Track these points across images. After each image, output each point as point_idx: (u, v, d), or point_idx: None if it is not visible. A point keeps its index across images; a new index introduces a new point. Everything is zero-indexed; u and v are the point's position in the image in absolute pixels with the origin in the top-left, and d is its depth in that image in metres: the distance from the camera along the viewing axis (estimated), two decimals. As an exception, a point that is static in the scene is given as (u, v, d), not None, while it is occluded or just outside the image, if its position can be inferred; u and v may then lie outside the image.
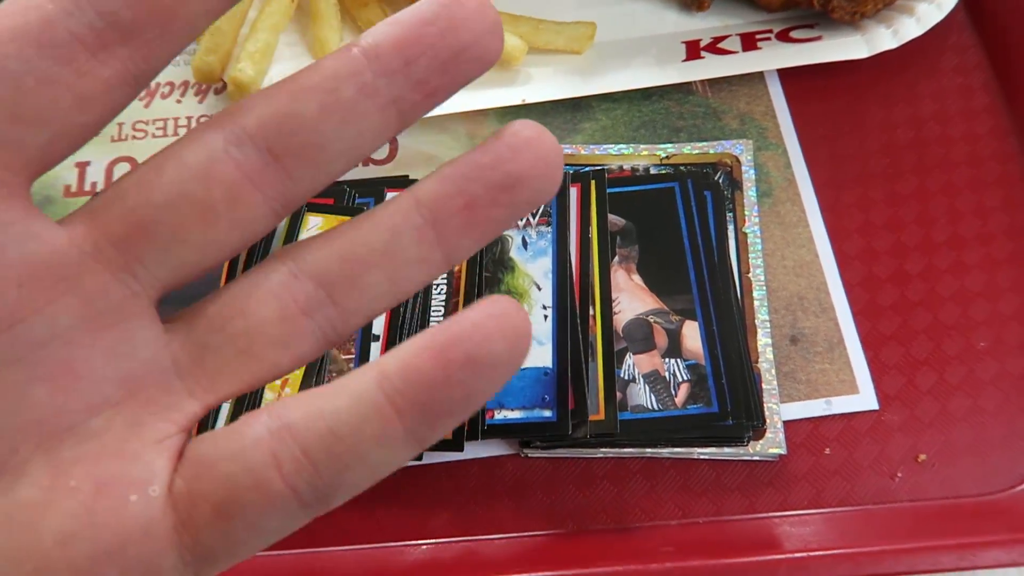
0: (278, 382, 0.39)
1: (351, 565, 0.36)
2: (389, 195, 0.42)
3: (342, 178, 0.44)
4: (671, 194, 0.42)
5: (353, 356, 0.39)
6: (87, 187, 0.45)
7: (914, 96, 0.47)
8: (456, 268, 0.41)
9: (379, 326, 0.39)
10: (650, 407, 0.38)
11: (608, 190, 0.42)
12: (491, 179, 0.19)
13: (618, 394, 0.38)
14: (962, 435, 0.39)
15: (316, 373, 0.38)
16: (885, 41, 0.46)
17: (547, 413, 0.37)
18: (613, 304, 0.40)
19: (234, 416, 0.38)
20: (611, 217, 0.42)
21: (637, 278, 0.41)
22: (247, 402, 0.38)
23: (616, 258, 0.41)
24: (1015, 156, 0.45)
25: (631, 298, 0.40)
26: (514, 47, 0.45)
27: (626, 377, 0.38)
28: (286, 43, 0.47)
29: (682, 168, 0.44)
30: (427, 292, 0.40)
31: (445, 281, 0.40)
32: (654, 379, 0.38)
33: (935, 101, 0.47)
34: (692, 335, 0.39)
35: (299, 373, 0.38)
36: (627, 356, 0.39)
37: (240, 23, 0.44)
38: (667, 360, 0.39)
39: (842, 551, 0.36)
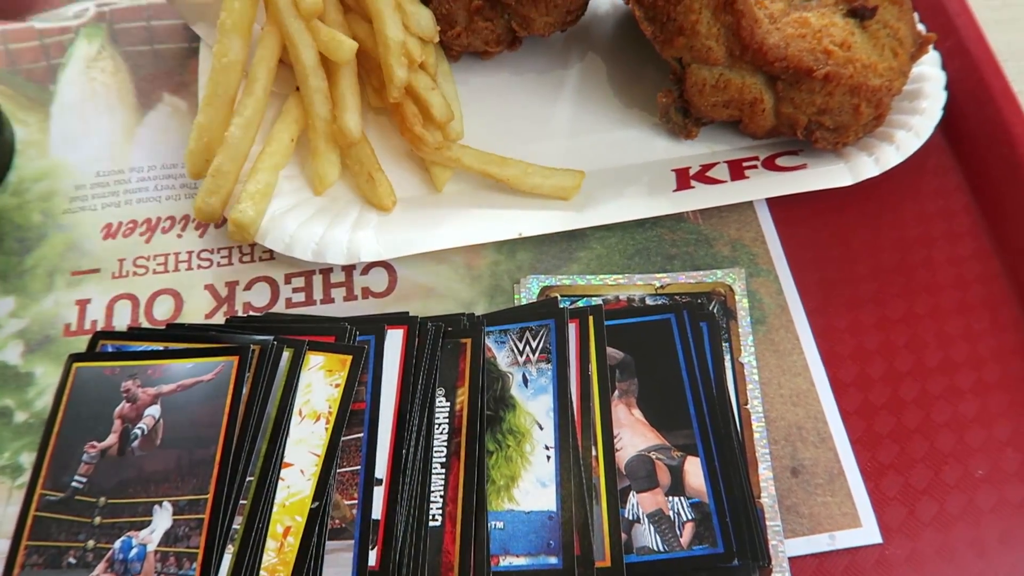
0: (280, 530, 0.38)
1: None
2: (389, 332, 0.43)
3: (343, 315, 0.45)
4: (667, 326, 0.43)
5: (356, 501, 0.39)
6: (87, 325, 0.45)
7: (898, 219, 0.49)
8: (458, 407, 0.41)
9: (382, 470, 0.39)
10: (656, 548, 0.37)
11: (606, 322, 0.43)
12: None
13: (623, 535, 0.38)
14: (967, 568, 0.39)
15: (319, 521, 0.38)
16: (868, 169, 0.47)
17: (553, 560, 0.37)
18: (615, 440, 0.40)
19: (237, 563, 0.37)
20: (609, 350, 0.42)
21: (637, 412, 0.41)
22: (251, 545, 0.38)
23: (616, 392, 0.41)
24: (999, 277, 0.47)
25: (632, 433, 0.40)
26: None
27: (630, 517, 0.38)
28: (286, 176, 0.48)
29: (677, 298, 0.45)
30: (429, 433, 0.40)
31: (447, 421, 0.40)
32: (658, 518, 0.38)
33: (919, 224, 0.48)
34: (695, 471, 0.39)
35: (302, 522, 0.38)
36: (631, 494, 0.39)
37: (242, 163, 0.45)
38: (671, 498, 0.39)
39: None
